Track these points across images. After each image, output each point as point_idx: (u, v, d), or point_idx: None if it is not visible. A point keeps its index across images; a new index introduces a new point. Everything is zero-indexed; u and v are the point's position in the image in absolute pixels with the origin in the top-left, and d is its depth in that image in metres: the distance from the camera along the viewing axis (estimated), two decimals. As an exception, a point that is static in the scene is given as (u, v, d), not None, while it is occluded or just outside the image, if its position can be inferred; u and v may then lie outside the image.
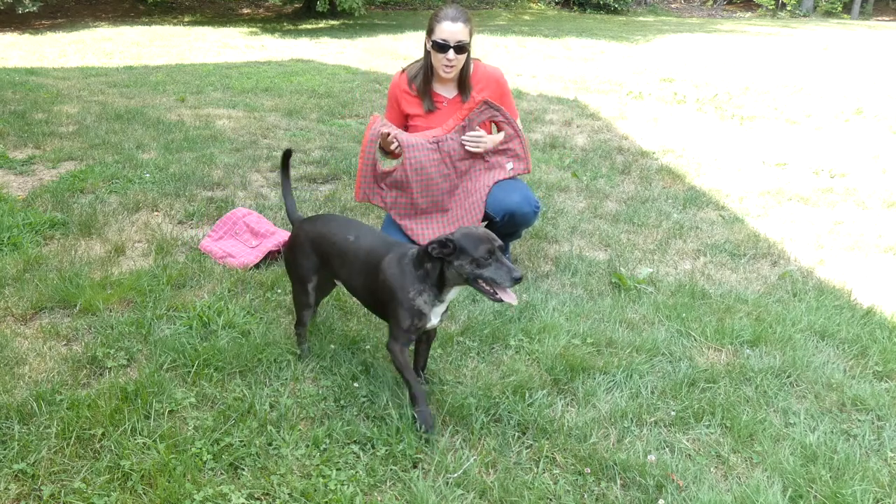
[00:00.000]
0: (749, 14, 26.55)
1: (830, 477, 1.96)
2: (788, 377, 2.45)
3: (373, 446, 2.03)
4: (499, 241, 2.01)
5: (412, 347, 2.28)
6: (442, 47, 2.92)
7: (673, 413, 2.23)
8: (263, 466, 1.94)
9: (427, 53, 3.03)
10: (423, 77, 3.09)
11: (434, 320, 2.12)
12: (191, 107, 6.58)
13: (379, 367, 2.40)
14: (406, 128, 3.15)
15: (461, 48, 2.94)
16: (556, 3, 24.13)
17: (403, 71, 3.17)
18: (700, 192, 4.49)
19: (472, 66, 3.10)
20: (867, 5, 28.12)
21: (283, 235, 3.28)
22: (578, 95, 7.67)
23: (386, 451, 2.01)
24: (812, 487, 1.92)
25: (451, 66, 2.99)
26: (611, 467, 1.99)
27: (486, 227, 2.90)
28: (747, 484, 1.93)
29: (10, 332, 2.55)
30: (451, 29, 2.90)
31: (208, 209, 3.86)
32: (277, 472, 1.91)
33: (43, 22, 14.88)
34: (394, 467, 1.96)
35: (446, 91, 3.12)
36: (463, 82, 3.09)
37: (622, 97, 7.69)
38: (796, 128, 6.53)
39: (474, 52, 3.10)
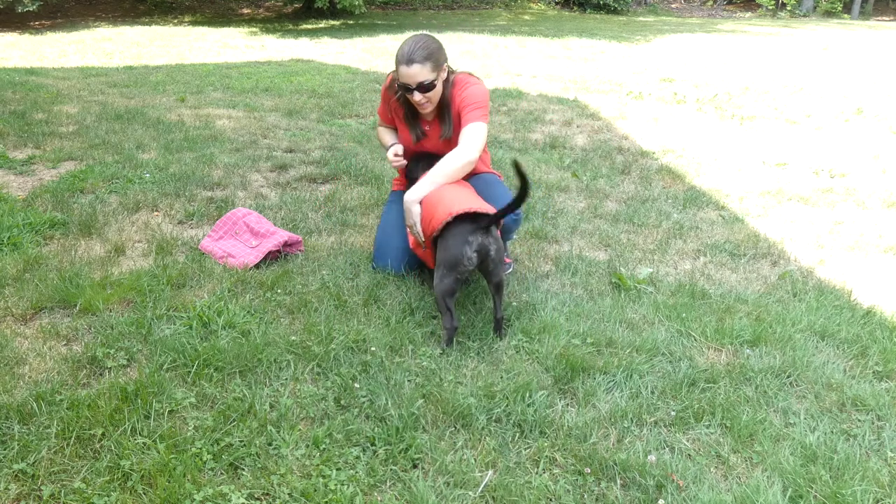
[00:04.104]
0: (749, 14, 26.55)
1: (830, 477, 1.96)
2: (788, 377, 2.45)
3: (373, 446, 2.04)
4: None
5: None
6: (406, 89, 2.80)
7: (673, 413, 2.23)
8: (263, 466, 1.94)
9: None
10: (408, 108, 2.95)
11: None
12: (191, 107, 6.58)
13: (379, 367, 2.40)
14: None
15: (426, 87, 2.77)
16: (556, 3, 24.13)
17: (392, 81, 2.98)
18: (700, 192, 4.49)
19: (449, 93, 2.89)
20: (867, 5, 28.13)
21: (284, 235, 3.28)
22: (578, 95, 7.67)
23: (386, 451, 2.01)
24: (812, 487, 1.92)
25: (424, 105, 2.86)
26: (611, 467, 1.99)
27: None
28: (747, 484, 1.93)
29: (10, 332, 2.55)
30: (407, 72, 2.73)
31: (208, 209, 3.86)
32: (277, 472, 1.91)
33: (43, 22, 14.88)
34: (394, 467, 1.96)
35: (429, 116, 3.02)
36: (441, 110, 2.93)
37: (622, 97, 7.69)
38: (796, 128, 6.53)
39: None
